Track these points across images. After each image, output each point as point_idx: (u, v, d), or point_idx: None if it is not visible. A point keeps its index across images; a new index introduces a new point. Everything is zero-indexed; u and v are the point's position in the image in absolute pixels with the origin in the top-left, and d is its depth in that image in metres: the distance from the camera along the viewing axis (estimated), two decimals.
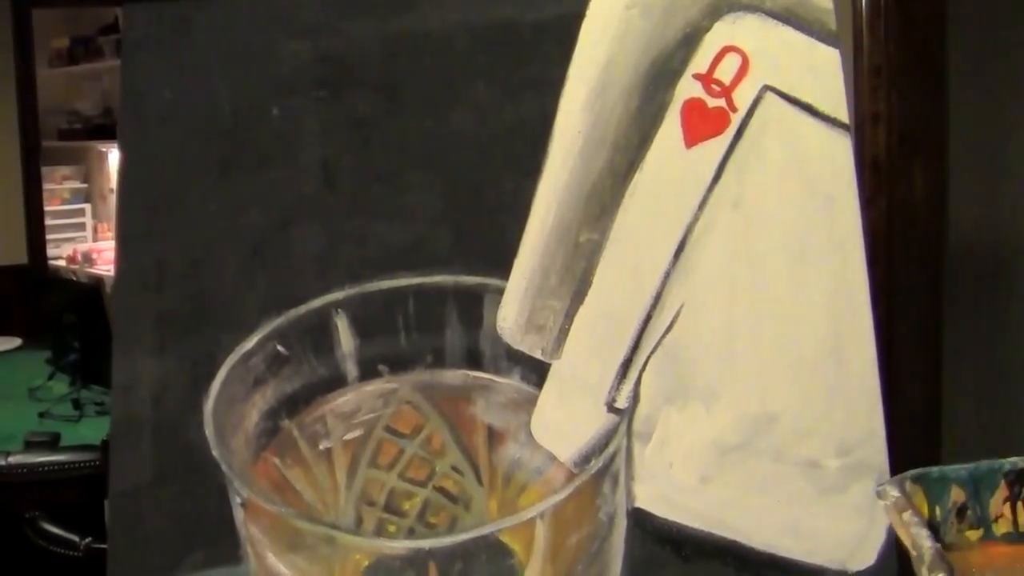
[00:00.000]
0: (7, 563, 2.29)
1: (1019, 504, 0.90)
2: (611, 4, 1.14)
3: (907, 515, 0.84)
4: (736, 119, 1.14)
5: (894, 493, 0.86)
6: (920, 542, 0.81)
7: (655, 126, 1.14)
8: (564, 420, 1.12)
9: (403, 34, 1.20)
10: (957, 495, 0.90)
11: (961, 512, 0.90)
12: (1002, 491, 0.90)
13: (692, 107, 1.14)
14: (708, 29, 1.14)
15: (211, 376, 1.12)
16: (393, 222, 1.18)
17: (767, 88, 1.14)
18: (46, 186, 5.21)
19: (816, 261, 1.13)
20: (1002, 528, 0.91)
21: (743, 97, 1.14)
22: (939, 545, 0.81)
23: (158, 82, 1.21)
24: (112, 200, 6.07)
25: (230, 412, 1.12)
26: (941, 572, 0.80)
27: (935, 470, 0.91)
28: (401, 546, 1.08)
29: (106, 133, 5.86)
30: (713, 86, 1.14)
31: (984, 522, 0.90)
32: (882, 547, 1.12)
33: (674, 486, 1.12)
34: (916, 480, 0.89)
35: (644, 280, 1.13)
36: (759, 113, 1.14)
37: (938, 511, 0.90)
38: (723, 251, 1.13)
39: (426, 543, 1.05)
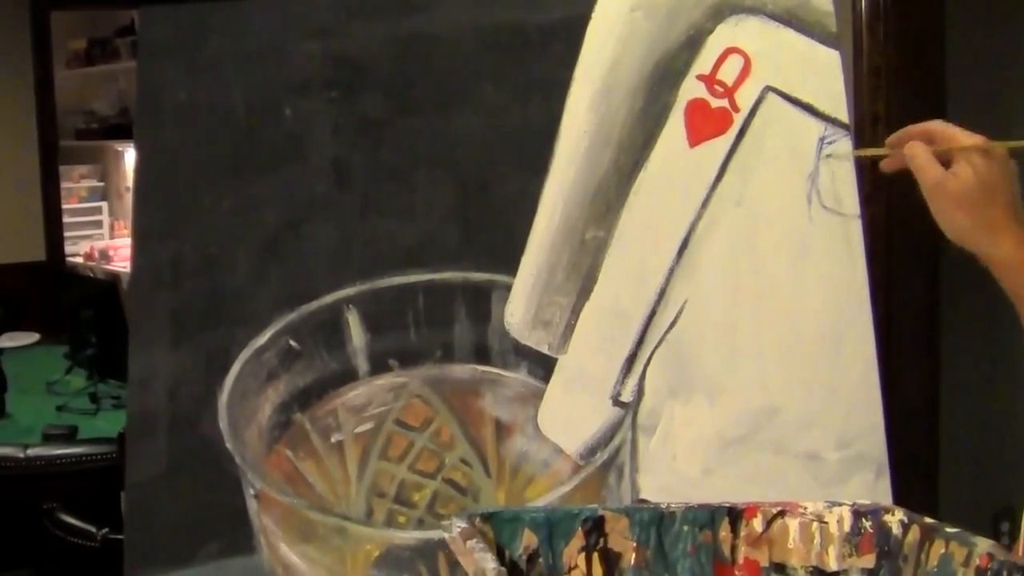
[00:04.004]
0: (26, 553, 2.31)
1: (594, 556, 0.82)
2: (616, 7, 1.16)
3: (472, 542, 0.75)
4: (739, 119, 1.15)
5: (460, 524, 0.78)
6: (484, 565, 0.72)
7: (659, 126, 1.16)
8: (570, 413, 1.14)
9: (413, 36, 1.21)
10: (529, 540, 0.81)
11: (532, 559, 0.81)
12: (578, 539, 0.82)
13: (695, 107, 1.15)
14: (711, 31, 1.15)
15: (225, 370, 1.14)
16: (403, 220, 1.20)
17: (769, 89, 1.15)
18: (64, 185, 5.23)
19: (817, 257, 1.14)
20: None
21: (745, 98, 1.15)
22: (504, 569, 0.72)
23: (173, 83, 1.23)
24: (128, 198, 6.08)
25: (244, 406, 1.14)
26: None
27: (508, 511, 0.83)
28: (411, 537, 1.10)
29: (122, 133, 5.85)
30: (716, 87, 1.15)
31: (556, 572, 0.81)
32: None
33: (678, 478, 1.13)
34: (487, 519, 0.80)
35: (649, 276, 1.15)
36: (761, 113, 1.15)
37: (507, 555, 0.81)
38: (726, 248, 1.15)
39: (435, 534, 1.07)
